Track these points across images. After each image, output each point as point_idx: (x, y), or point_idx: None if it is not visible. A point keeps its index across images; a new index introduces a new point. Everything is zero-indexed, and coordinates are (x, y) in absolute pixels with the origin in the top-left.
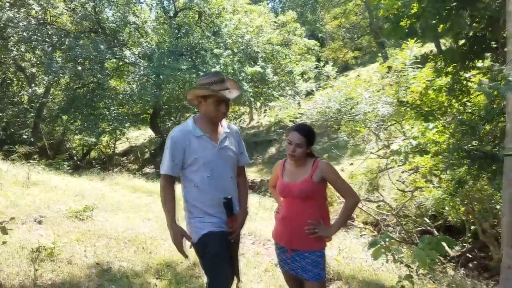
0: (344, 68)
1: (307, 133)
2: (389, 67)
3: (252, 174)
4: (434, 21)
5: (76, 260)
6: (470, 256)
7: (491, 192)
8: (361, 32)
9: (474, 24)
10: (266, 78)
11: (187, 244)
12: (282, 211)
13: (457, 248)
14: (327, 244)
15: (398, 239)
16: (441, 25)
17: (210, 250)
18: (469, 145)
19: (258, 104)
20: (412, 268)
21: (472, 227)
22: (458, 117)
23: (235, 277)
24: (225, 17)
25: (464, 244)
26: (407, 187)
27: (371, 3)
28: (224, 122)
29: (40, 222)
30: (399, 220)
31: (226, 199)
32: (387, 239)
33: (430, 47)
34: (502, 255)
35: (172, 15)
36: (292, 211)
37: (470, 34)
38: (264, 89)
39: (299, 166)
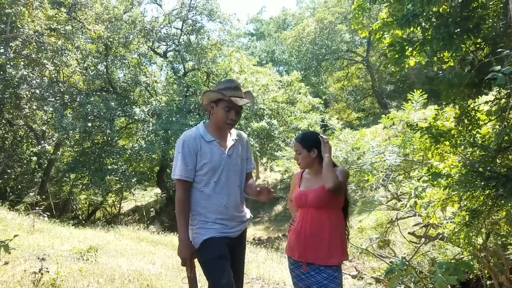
0: (348, 128)
1: (300, 138)
2: (393, 119)
3: (259, 232)
4: (438, 48)
5: None
6: None
7: (508, 231)
8: (364, 94)
9: (478, 52)
10: (272, 134)
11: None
12: (296, 223)
13: None
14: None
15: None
16: (446, 52)
17: (212, 253)
18: (481, 165)
19: (264, 159)
20: None
21: (488, 282)
22: (468, 140)
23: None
24: (232, 77)
25: None
26: (419, 240)
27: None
28: (234, 130)
29: (43, 259)
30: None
31: None
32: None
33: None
34: None
35: (181, 75)
36: (307, 221)
37: (476, 62)
38: (270, 145)
39: (315, 174)
